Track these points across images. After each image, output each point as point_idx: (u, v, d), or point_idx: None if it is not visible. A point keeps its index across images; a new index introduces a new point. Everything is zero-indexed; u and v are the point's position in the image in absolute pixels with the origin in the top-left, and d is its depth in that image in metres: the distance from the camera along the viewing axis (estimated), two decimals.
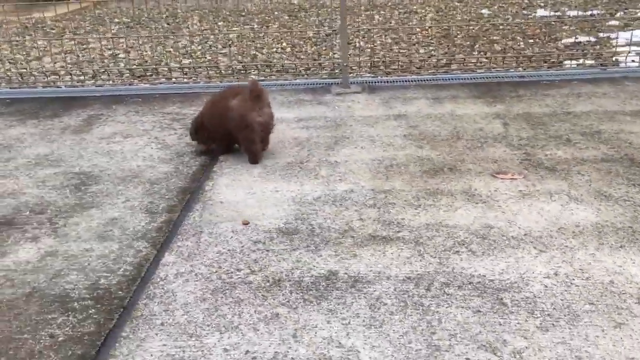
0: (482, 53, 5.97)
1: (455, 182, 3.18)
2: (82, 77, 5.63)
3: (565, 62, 5.50)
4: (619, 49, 5.60)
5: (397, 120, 4.14)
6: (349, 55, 5.12)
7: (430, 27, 7.07)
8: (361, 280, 2.39)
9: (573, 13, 7.39)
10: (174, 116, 4.48)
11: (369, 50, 6.25)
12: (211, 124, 3.61)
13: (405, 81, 5.10)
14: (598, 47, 5.98)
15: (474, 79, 5.06)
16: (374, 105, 4.46)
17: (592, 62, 5.46)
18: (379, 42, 6.57)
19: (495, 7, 8.38)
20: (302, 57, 6.17)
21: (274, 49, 6.54)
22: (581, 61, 5.49)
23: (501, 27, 7.07)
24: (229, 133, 3.56)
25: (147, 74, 5.72)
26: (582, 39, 6.20)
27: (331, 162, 3.52)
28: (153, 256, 2.66)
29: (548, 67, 5.38)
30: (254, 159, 3.57)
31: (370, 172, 3.36)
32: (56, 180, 3.47)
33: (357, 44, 6.35)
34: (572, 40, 6.21)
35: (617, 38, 5.69)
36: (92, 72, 5.76)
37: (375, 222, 2.82)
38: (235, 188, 3.24)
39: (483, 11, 8.04)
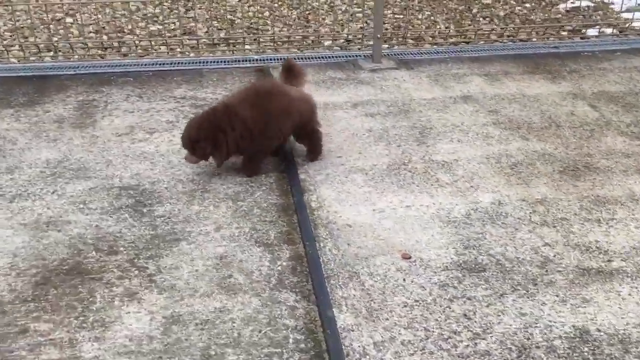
0: (486, 19, 5.48)
1: (610, 186, 2.69)
2: (32, 50, 4.55)
3: (585, 30, 5.12)
4: (626, 15, 5.33)
5: (468, 103, 3.56)
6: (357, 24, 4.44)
7: None
8: (628, 340, 1.83)
9: None
10: (191, 102, 3.65)
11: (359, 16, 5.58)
12: (277, 125, 2.78)
13: (435, 53, 4.51)
14: (601, 12, 5.66)
15: (507, 49, 4.61)
16: (425, 85, 3.86)
17: (611, 30, 5.11)
18: (366, 6, 5.88)
19: None
20: (289, 23, 5.40)
21: (250, 13, 5.69)
22: (600, 29, 5.12)
23: None
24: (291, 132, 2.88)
25: (113, 45, 4.74)
26: (581, 3, 5.85)
27: (438, 161, 2.90)
28: (317, 315, 1.95)
29: (569, 37, 4.97)
30: (317, 156, 2.96)
31: (497, 174, 2.79)
32: (100, 199, 2.62)
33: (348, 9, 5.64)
34: (569, 4, 5.85)
35: (621, 3, 5.36)
36: (47, 43, 4.68)
37: (569, 248, 2.27)
38: (352, 204, 2.57)
39: None
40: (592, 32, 5.08)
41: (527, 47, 4.67)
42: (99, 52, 4.60)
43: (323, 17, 5.52)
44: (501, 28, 5.16)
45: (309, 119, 2.86)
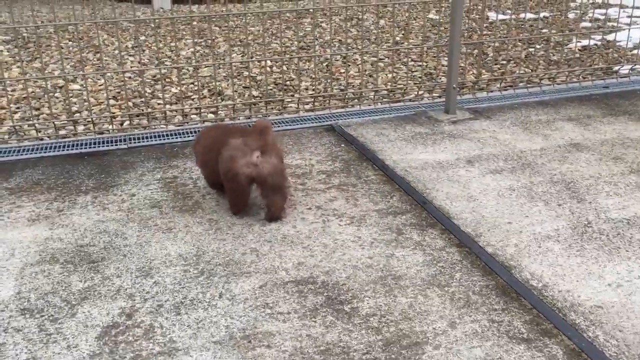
0: (510, 62, 5.39)
1: None
2: (51, 122, 4.01)
3: (616, 68, 5.10)
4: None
5: (583, 151, 3.39)
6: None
7: (428, 46, 6.34)
8: None
9: (529, 15, 7.16)
10: (289, 170, 3.24)
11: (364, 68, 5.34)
12: (206, 159, 2.83)
13: (498, 100, 4.36)
14: (610, 50, 5.70)
15: (563, 92, 4.52)
16: (521, 135, 3.65)
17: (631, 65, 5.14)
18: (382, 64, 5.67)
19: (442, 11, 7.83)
20: (313, 76, 5.09)
21: (266, 67, 5.32)
22: (630, 66, 5.13)
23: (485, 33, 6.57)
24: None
25: (144, 112, 4.27)
26: (589, 42, 5.89)
27: (620, 220, 2.69)
28: None
29: (604, 75, 4.92)
30: (233, 209, 2.80)
31: None
32: (283, 300, 2.19)
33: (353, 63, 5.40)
34: (573, 45, 5.87)
35: (627, 40, 5.39)
36: (81, 118, 4.15)
37: None
38: (577, 279, 2.27)
39: (430, 15, 7.48)
40: (622, 70, 5.05)
41: (580, 88, 4.57)
42: (139, 121, 4.09)
43: (344, 68, 5.22)
44: (566, 70, 5.04)
45: (223, 172, 2.67)
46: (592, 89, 4.53)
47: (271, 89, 4.73)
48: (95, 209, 2.87)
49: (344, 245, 2.54)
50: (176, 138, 3.69)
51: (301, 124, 3.92)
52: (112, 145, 3.62)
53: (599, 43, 5.93)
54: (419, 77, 5.05)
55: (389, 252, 2.48)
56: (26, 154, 3.50)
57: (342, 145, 3.58)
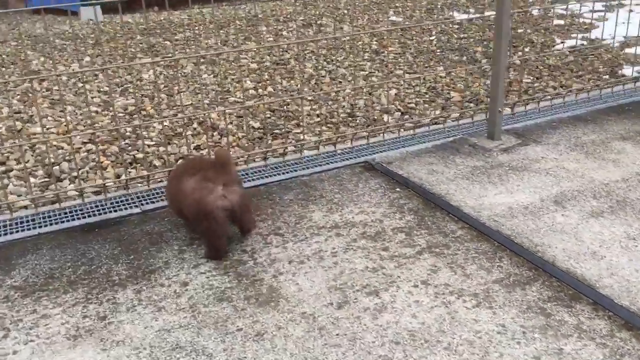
0: (537, 70, 5.06)
1: None
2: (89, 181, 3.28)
3: (622, 72, 4.89)
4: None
5: None
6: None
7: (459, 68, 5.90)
8: None
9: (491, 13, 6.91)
10: (356, 229, 2.80)
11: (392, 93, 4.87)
12: (171, 205, 2.72)
13: (529, 118, 4.02)
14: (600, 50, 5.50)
15: (590, 104, 4.19)
16: (587, 162, 3.31)
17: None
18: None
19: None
20: (316, 99, 4.55)
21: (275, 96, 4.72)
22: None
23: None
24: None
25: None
26: (568, 42, 5.66)
27: None
28: None
29: (615, 80, 4.68)
30: (214, 254, 2.51)
31: None
32: None
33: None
34: (559, 46, 5.64)
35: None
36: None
37: None
38: None
39: (392, 18, 7.07)
40: (627, 71, 4.83)
41: (608, 97, 4.28)
42: (136, 171, 3.42)
43: (337, 85, 4.70)
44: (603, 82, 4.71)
45: (193, 216, 2.50)
46: (617, 97, 4.23)
47: (269, 117, 4.13)
48: (147, 310, 2.22)
49: (492, 341, 2.03)
50: None
51: (334, 163, 3.37)
52: (121, 210, 2.95)
53: (585, 42, 5.68)
54: (424, 92, 4.59)
55: (553, 346, 2.00)
56: (16, 232, 2.77)
57: (397, 189, 3.08)
